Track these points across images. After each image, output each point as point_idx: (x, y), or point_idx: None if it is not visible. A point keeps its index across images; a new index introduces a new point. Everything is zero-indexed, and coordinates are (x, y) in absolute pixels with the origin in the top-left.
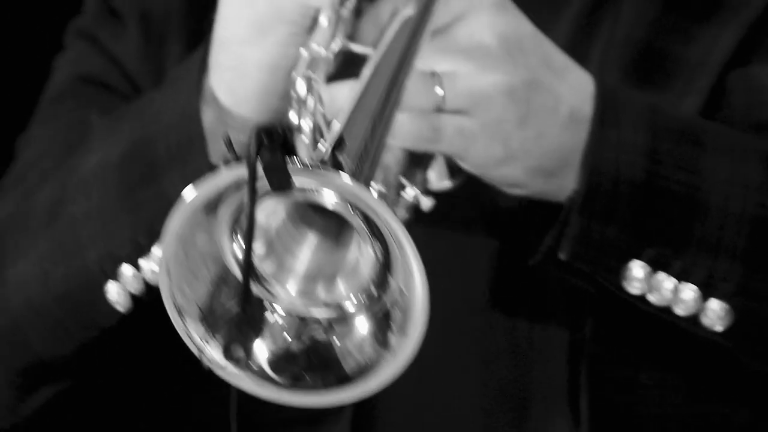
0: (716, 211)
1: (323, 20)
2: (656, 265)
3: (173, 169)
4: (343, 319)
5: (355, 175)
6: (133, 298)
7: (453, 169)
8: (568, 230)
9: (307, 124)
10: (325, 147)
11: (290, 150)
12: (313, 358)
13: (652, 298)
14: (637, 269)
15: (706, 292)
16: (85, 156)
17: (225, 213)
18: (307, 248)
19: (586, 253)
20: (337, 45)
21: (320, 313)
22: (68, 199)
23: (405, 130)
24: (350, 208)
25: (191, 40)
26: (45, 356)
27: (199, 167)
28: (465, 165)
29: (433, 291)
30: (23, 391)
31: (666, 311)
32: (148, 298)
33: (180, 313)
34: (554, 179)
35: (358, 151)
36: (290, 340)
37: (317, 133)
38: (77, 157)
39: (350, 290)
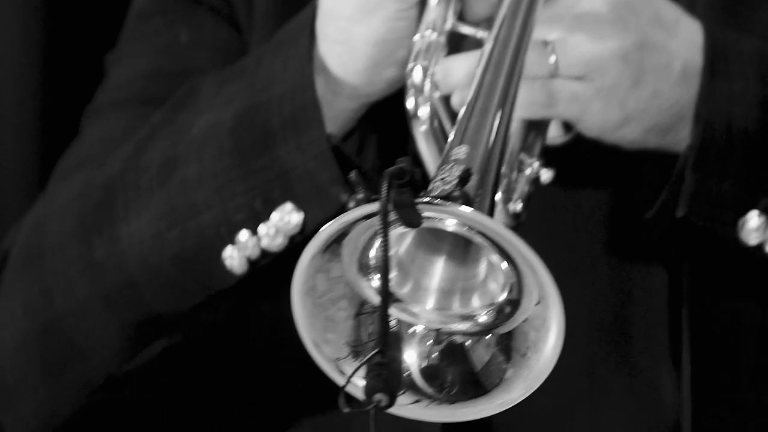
0: None
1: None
2: None
3: (288, 138)
4: (479, 332)
5: (480, 205)
6: (250, 262)
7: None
8: (684, 187)
9: (424, 113)
10: (450, 177)
11: (418, 187)
12: (453, 374)
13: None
14: (753, 220)
15: None
16: (195, 116)
17: (348, 251)
18: (439, 265)
19: (702, 208)
20: (448, 26)
21: (458, 327)
22: (180, 160)
23: (521, 99)
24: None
25: None
26: (160, 311)
27: (316, 137)
28: (581, 129)
29: (542, 238)
30: (137, 342)
31: None
32: (265, 262)
33: (333, 361)
34: (670, 135)
35: (483, 158)
36: (433, 356)
37: (435, 120)
38: (186, 115)
39: (484, 304)
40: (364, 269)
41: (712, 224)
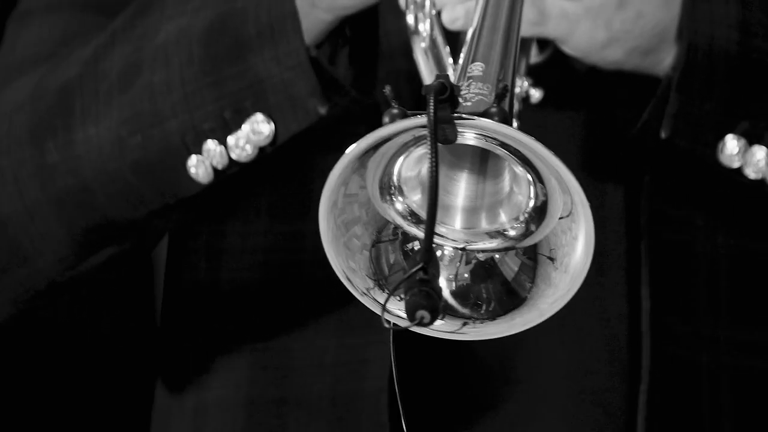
0: None
1: None
2: (751, 137)
3: (264, 48)
4: (508, 248)
5: (506, 119)
6: (216, 171)
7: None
8: (668, 108)
9: (424, 29)
10: (487, 92)
11: (455, 103)
12: (487, 290)
13: (748, 170)
14: (732, 143)
15: None
16: (161, 22)
17: (372, 168)
18: (463, 183)
19: (685, 129)
20: None
21: (488, 245)
22: (145, 66)
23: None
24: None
25: None
26: (113, 217)
27: (294, 48)
28: (567, 48)
29: None
30: (85, 248)
31: (760, 183)
32: (232, 172)
33: (351, 282)
34: (652, 56)
35: (501, 74)
36: (464, 276)
37: (434, 36)
38: (150, 21)
39: (511, 217)
40: (385, 190)
41: (693, 146)
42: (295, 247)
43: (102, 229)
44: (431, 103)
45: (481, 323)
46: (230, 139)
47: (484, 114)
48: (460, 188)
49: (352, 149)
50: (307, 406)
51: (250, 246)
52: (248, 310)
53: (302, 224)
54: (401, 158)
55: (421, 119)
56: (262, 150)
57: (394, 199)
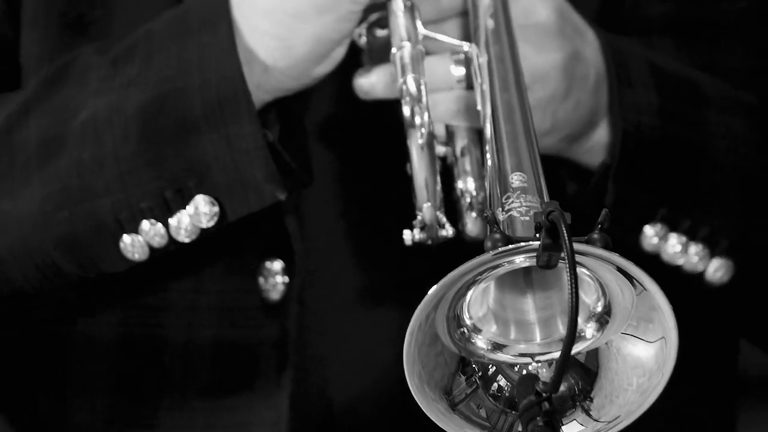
0: (716, 166)
1: (398, 7)
2: (669, 224)
3: (212, 129)
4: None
5: (608, 244)
6: (152, 249)
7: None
8: (607, 198)
9: (420, 120)
10: (537, 204)
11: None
12: (579, 388)
13: (664, 257)
14: (652, 228)
15: (711, 250)
16: (83, 96)
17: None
18: (530, 298)
19: (618, 217)
20: (421, 34)
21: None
22: (70, 141)
23: (455, 108)
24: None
25: None
26: (25, 289)
27: (248, 132)
28: None
29: None
30: None
31: (675, 270)
32: (169, 250)
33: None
34: (577, 142)
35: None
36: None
37: (430, 129)
38: (69, 93)
39: (584, 318)
40: (454, 331)
41: (622, 230)
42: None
43: (9, 299)
44: (564, 229)
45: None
46: (172, 220)
47: (591, 241)
48: (529, 303)
49: (449, 278)
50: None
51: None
52: None
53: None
54: (467, 296)
55: (533, 244)
56: (203, 231)
57: (471, 336)
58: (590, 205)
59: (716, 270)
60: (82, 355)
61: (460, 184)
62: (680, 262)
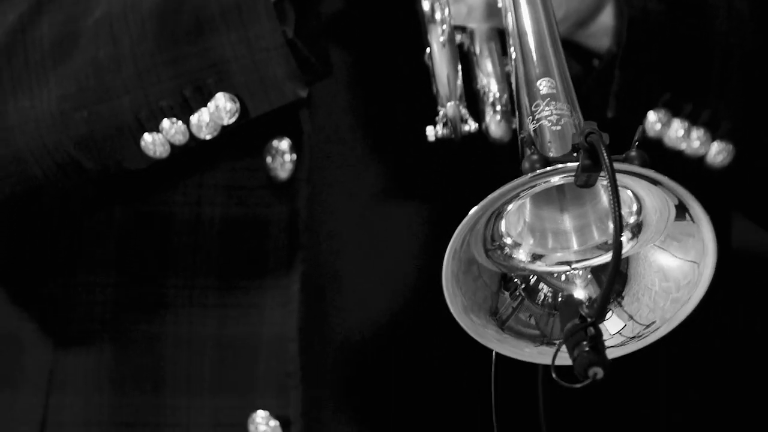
0: (719, 50)
1: None
2: (672, 109)
3: (230, 28)
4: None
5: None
6: (173, 146)
7: None
8: (612, 86)
9: (441, 15)
10: (567, 111)
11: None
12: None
13: (667, 142)
14: (655, 114)
15: (712, 133)
16: None
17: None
18: (566, 209)
19: (625, 105)
20: None
21: (605, 258)
22: (84, 39)
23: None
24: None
25: None
26: (45, 186)
27: (268, 31)
28: None
29: None
30: (9, 212)
31: (677, 155)
32: (190, 147)
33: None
34: (582, 27)
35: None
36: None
37: (450, 24)
38: None
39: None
40: (493, 250)
41: (626, 116)
42: None
43: (28, 194)
44: (603, 149)
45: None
46: (193, 118)
47: (629, 159)
48: (564, 213)
49: (487, 200)
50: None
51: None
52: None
53: None
54: (503, 215)
55: (571, 165)
56: (224, 128)
57: (511, 252)
58: (594, 90)
59: (717, 153)
60: (88, 233)
61: (482, 81)
62: (682, 146)
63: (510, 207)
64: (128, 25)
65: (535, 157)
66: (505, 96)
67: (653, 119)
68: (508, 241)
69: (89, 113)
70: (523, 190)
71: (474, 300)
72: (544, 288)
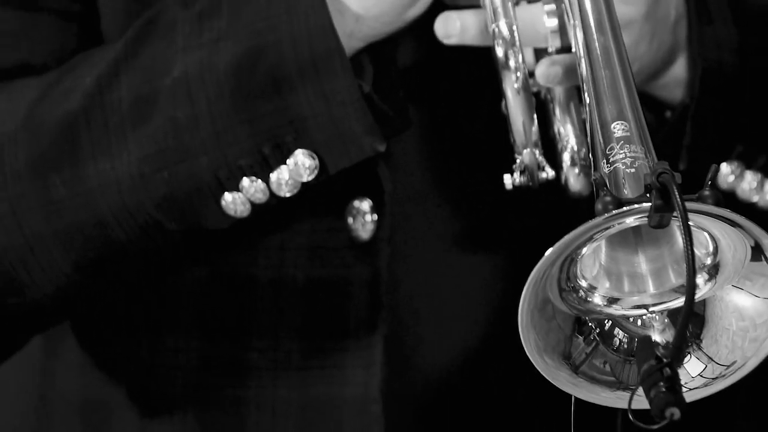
0: None
1: None
2: (745, 161)
3: (307, 84)
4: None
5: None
6: (254, 205)
7: None
8: (684, 139)
9: (515, 63)
10: (642, 154)
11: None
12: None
13: (740, 194)
14: (728, 166)
15: None
16: (172, 53)
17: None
18: (640, 251)
19: (697, 158)
20: None
21: (681, 301)
22: (162, 100)
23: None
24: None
25: None
26: (126, 249)
27: (345, 85)
28: None
29: None
30: (89, 278)
31: (750, 207)
32: (271, 205)
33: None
34: (655, 79)
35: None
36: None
37: (524, 71)
38: (157, 51)
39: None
40: (569, 293)
41: (698, 169)
42: None
43: (111, 257)
44: (675, 188)
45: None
46: (272, 176)
47: (701, 199)
48: (640, 256)
49: (562, 242)
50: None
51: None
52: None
53: None
54: (578, 257)
55: (644, 206)
56: (304, 185)
57: (586, 296)
58: (666, 141)
59: None
60: (172, 296)
61: (559, 129)
62: (755, 199)
63: (585, 249)
64: (205, 85)
65: (608, 198)
66: (584, 149)
67: (726, 171)
68: (583, 284)
69: (169, 174)
70: (597, 232)
71: (547, 341)
72: (619, 333)
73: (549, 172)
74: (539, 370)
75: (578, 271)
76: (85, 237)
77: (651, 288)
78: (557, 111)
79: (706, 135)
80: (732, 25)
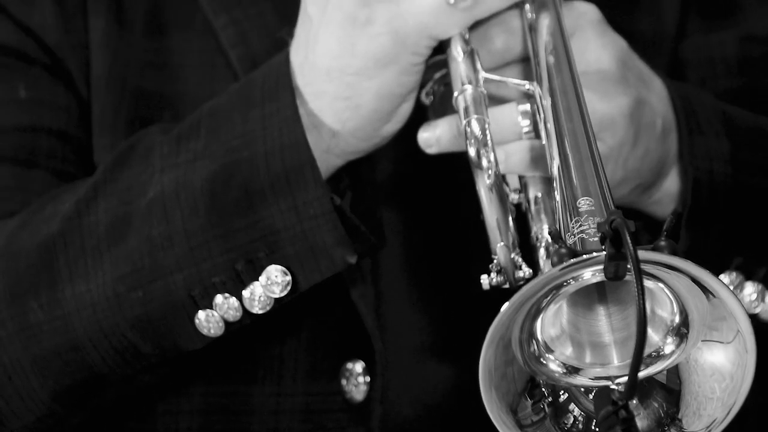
0: None
1: (457, 53)
2: (744, 272)
3: (279, 198)
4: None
5: (676, 250)
6: (227, 323)
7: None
8: (680, 247)
9: (487, 162)
10: (589, 229)
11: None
12: (662, 405)
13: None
14: (727, 277)
15: None
16: (149, 175)
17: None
18: (604, 318)
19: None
20: (482, 77)
21: (652, 369)
22: (137, 220)
23: (528, 157)
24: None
25: (112, 13)
26: (103, 374)
27: (315, 197)
28: None
29: None
30: (66, 406)
31: (752, 318)
32: (245, 323)
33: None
34: (646, 192)
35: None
36: (642, 408)
37: (496, 170)
38: (135, 173)
39: (663, 334)
40: (527, 352)
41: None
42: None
43: (88, 385)
44: (628, 239)
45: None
46: (245, 292)
47: (657, 249)
48: (604, 324)
49: (519, 296)
50: None
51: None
52: None
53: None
54: (541, 317)
55: (599, 256)
56: (278, 300)
57: (543, 356)
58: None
59: None
60: None
61: (535, 229)
62: (757, 310)
63: (547, 311)
64: (180, 202)
65: (563, 250)
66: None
67: (726, 282)
68: (541, 341)
69: (144, 293)
70: (555, 286)
71: (500, 384)
72: (575, 410)
73: (526, 271)
74: (484, 399)
75: (539, 330)
76: (62, 362)
77: (616, 359)
78: (532, 208)
79: (702, 244)
80: (724, 138)
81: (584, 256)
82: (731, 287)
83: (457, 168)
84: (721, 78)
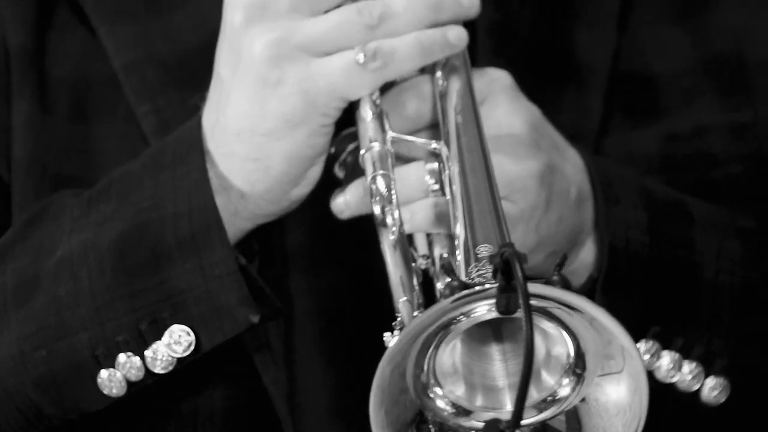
0: (709, 287)
1: (366, 114)
2: (661, 341)
3: (186, 259)
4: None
5: (568, 284)
6: (129, 383)
7: None
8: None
9: (391, 219)
10: (488, 273)
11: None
12: None
13: (657, 374)
14: (644, 345)
15: (706, 368)
16: (57, 235)
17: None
18: (498, 362)
19: None
20: (389, 136)
21: (548, 414)
22: (45, 280)
23: (432, 214)
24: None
25: (36, 97)
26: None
27: (221, 258)
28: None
29: None
30: None
31: (669, 388)
32: (147, 383)
33: None
34: (565, 265)
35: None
36: None
37: (401, 228)
38: (44, 233)
39: (558, 377)
40: (419, 385)
41: None
42: None
43: None
44: (519, 270)
45: None
46: (147, 352)
47: (550, 283)
48: (499, 368)
49: (412, 326)
50: None
51: None
52: None
53: None
54: (430, 350)
55: (491, 288)
56: (180, 361)
57: (430, 389)
58: None
59: (711, 389)
60: None
61: (439, 286)
62: (674, 380)
63: (441, 348)
64: (88, 261)
65: (455, 283)
66: None
67: (642, 350)
68: (434, 380)
69: (48, 351)
70: (447, 321)
71: (390, 410)
72: None
73: None
74: (371, 420)
75: (430, 366)
76: None
77: (509, 404)
78: (437, 268)
79: (618, 311)
80: (642, 209)
81: (476, 288)
82: (648, 355)
83: (368, 231)
84: (643, 174)
